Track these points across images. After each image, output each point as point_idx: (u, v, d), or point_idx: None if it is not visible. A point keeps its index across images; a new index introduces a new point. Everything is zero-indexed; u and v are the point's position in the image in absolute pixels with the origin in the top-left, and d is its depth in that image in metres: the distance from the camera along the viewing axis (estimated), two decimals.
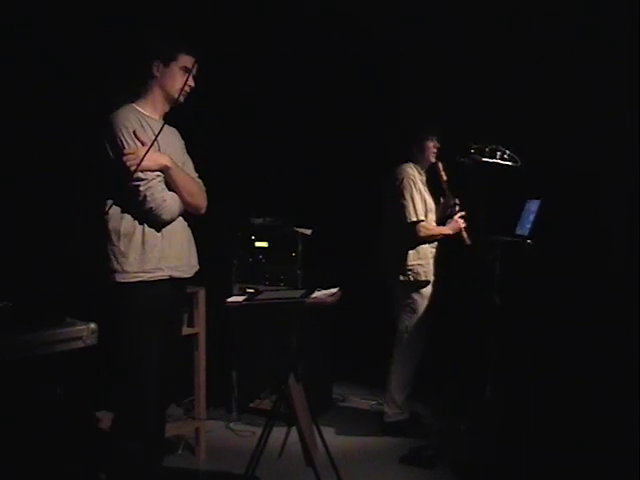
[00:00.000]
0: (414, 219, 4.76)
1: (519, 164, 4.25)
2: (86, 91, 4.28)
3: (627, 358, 4.54)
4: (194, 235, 3.52)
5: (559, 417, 4.53)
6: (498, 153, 4.33)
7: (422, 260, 4.82)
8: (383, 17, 5.57)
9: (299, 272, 4.98)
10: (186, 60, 3.34)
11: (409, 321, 4.85)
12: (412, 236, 4.80)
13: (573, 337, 4.80)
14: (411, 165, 4.91)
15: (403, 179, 4.82)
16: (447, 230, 4.89)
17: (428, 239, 4.85)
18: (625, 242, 4.78)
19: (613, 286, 4.72)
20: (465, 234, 4.87)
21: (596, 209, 4.93)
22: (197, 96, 3.46)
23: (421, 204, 4.80)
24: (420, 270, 4.81)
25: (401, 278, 4.83)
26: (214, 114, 5.43)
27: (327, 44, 5.81)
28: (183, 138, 3.52)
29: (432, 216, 4.94)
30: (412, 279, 4.81)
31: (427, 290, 4.87)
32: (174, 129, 3.43)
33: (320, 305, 3.82)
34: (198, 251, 3.55)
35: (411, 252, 4.81)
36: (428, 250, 4.86)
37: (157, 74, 3.30)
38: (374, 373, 4.96)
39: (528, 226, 4.52)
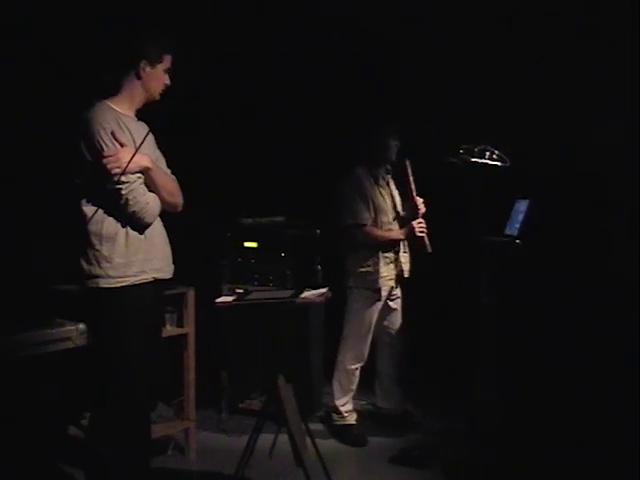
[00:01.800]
0: (350, 222, 4.67)
1: (508, 164, 4.25)
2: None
3: (618, 357, 4.57)
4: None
5: (551, 416, 4.56)
6: (487, 153, 4.33)
7: (370, 267, 4.68)
8: (380, 18, 5.57)
9: (288, 272, 4.98)
10: (169, 61, 3.33)
11: (352, 327, 4.77)
12: (351, 240, 4.72)
13: (562, 336, 4.83)
14: (364, 166, 4.80)
15: (349, 181, 4.74)
16: (398, 235, 4.76)
17: (373, 243, 4.70)
18: (623, 241, 4.81)
19: (604, 285, 4.75)
20: (426, 240, 4.70)
21: (588, 209, 4.96)
22: (194, 96, 3.44)
23: (365, 207, 4.67)
24: (366, 276, 4.69)
25: (348, 283, 4.77)
26: (209, 114, 5.44)
27: (307, 41, 5.78)
28: (154, 132, 3.38)
29: (386, 219, 4.78)
30: (355, 284, 4.73)
31: (375, 296, 4.72)
32: (143, 123, 3.33)
33: (309, 305, 3.83)
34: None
35: (359, 258, 4.71)
36: (380, 256, 4.71)
37: (143, 74, 3.28)
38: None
39: (517, 226, 4.53)
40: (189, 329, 4.40)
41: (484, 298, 4.26)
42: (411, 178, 4.79)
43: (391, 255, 4.78)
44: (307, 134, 5.88)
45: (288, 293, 3.90)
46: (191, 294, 4.38)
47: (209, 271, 5.04)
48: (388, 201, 4.85)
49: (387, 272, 4.75)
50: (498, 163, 4.28)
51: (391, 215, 4.83)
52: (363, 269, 4.71)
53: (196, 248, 4.85)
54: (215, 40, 5.12)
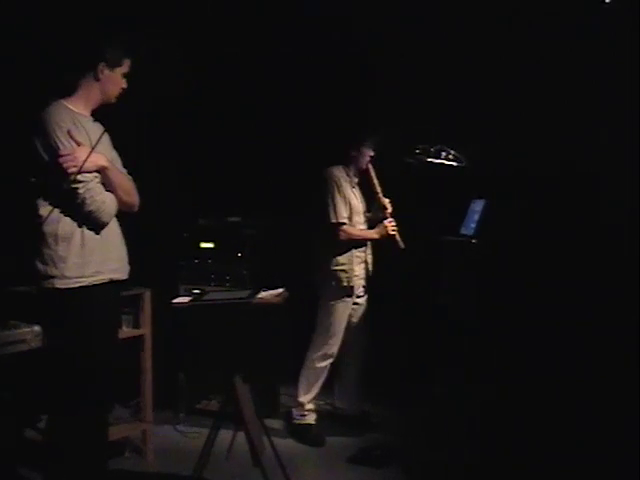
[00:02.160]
0: (334, 221, 4.74)
1: (464, 164, 4.31)
2: None
3: (579, 352, 4.63)
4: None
5: (515, 414, 4.60)
6: (443, 153, 4.38)
7: (345, 265, 4.78)
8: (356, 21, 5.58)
9: (245, 272, 4.98)
10: (128, 65, 3.31)
11: (325, 325, 4.83)
12: (332, 238, 4.77)
13: (520, 334, 4.88)
14: (340, 168, 4.87)
15: (327, 180, 4.80)
16: (373, 234, 4.87)
17: (349, 242, 4.79)
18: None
19: (563, 283, 4.81)
20: (398, 238, 4.81)
21: (543, 208, 5.02)
22: (151, 96, 3.43)
23: (344, 207, 4.77)
24: (342, 276, 4.77)
25: (321, 281, 4.84)
26: (165, 115, 5.41)
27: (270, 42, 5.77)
28: (110, 133, 3.37)
29: (359, 219, 4.89)
30: (333, 284, 4.79)
31: (347, 295, 4.82)
32: (99, 124, 3.31)
33: (267, 305, 3.83)
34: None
35: (334, 256, 4.78)
36: (354, 255, 4.81)
37: (101, 76, 3.26)
38: None
39: (473, 226, 4.59)
40: (145, 330, 4.38)
41: (441, 298, 4.31)
42: (375, 181, 4.90)
43: (362, 254, 4.88)
44: (262, 135, 5.87)
45: (245, 293, 3.90)
46: (147, 295, 4.36)
47: (166, 272, 5.02)
48: (360, 202, 4.94)
49: (358, 271, 4.85)
50: (454, 163, 4.33)
51: (362, 216, 4.93)
52: (338, 267, 4.78)
53: (153, 249, 4.82)
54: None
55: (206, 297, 3.88)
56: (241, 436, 3.85)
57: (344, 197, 4.79)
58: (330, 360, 4.86)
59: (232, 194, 5.60)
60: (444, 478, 4.32)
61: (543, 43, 4.97)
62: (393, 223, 4.84)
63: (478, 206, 4.73)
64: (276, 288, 3.87)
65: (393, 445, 4.63)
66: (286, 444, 4.67)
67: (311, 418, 4.88)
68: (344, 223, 4.76)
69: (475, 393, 4.84)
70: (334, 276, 4.78)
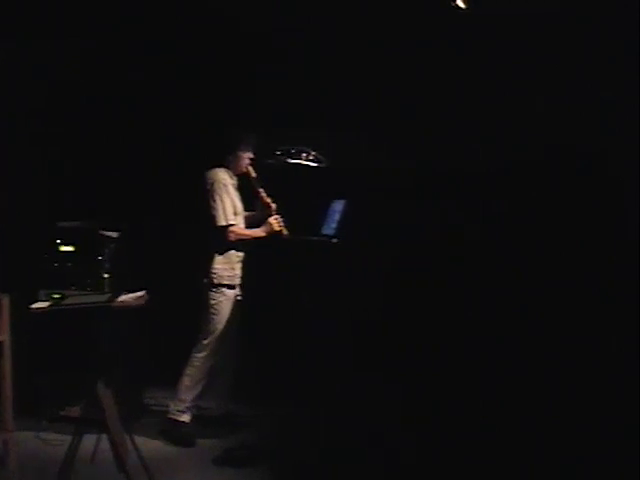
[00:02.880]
0: (224, 223, 4.81)
1: (324, 165, 4.40)
2: None
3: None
4: None
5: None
6: (303, 154, 4.46)
7: (228, 264, 4.89)
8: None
9: (106, 276, 4.92)
10: None
11: (211, 323, 4.88)
12: (222, 240, 4.85)
13: (384, 332, 5.03)
14: (223, 170, 4.94)
15: (214, 183, 4.86)
16: (259, 233, 4.96)
17: (238, 242, 4.90)
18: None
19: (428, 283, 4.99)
20: (285, 233, 4.94)
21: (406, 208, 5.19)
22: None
23: (231, 208, 4.85)
24: (225, 274, 4.88)
25: (206, 281, 4.88)
26: (25, 115, 5.25)
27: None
28: None
29: (241, 219, 4.99)
30: (217, 282, 4.86)
31: (232, 294, 4.93)
32: None
33: (127, 308, 3.81)
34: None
35: (218, 256, 4.86)
36: (235, 254, 4.92)
37: None
38: None
39: (333, 225, 4.68)
40: (3, 337, 4.25)
41: (302, 298, 4.38)
42: (257, 181, 5.00)
43: (242, 254, 4.96)
44: (126, 136, 5.82)
45: (105, 297, 3.88)
46: (6, 301, 4.23)
47: (25, 276, 4.89)
48: (241, 204, 5.02)
49: (239, 270, 4.96)
50: (314, 164, 4.41)
51: (243, 217, 5.02)
52: (223, 267, 4.87)
53: (10, 253, 4.69)
54: None
55: (65, 301, 3.82)
56: (105, 441, 3.82)
57: (231, 199, 4.87)
58: (214, 358, 4.89)
59: (92, 196, 5.50)
60: (311, 478, 4.40)
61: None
62: (278, 219, 4.95)
63: (339, 206, 4.84)
64: (138, 291, 3.87)
65: (259, 445, 4.68)
66: (152, 447, 4.64)
67: (187, 417, 4.88)
68: (233, 224, 4.83)
69: (343, 392, 4.97)
70: (221, 276, 4.86)
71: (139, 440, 4.02)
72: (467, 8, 4.73)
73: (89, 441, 4.00)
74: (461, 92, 4.98)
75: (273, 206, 5.00)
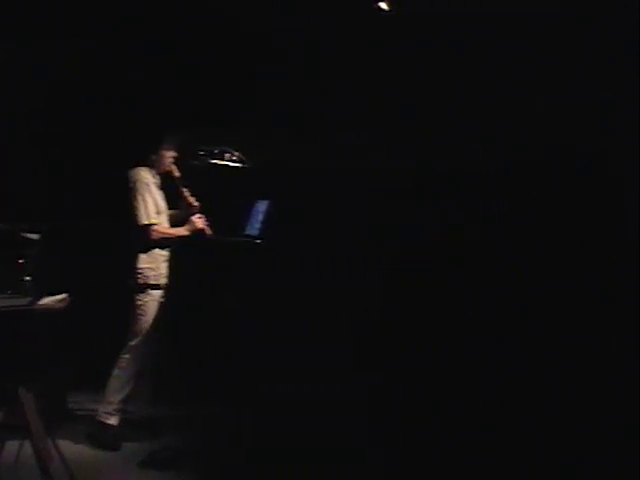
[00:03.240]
0: (145, 222, 4.77)
1: (247, 165, 4.38)
2: None
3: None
4: None
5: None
6: (226, 155, 4.44)
7: (153, 264, 4.84)
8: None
9: (27, 279, 4.81)
10: None
11: (138, 324, 4.82)
12: (145, 239, 4.80)
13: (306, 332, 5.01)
14: (145, 169, 4.90)
15: (136, 182, 4.82)
16: (183, 231, 4.93)
17: (162, 241, 4.86)
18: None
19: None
20: (208, 231, 4.93)
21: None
22: None
23: (153, 207, 4.81)
24: (150, 274, 4.83)
25: (132, 281, 4.83)
26: None
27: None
28: None
29: (164, 218, 4.95)
30: (142, 282, 4.81)
31: (157, 294, 4.87)
32: None
33: (49, 311, 3.75)
34: None
35: (142, 255, 4.82)
36: (159, 254, 4.88)
37: None
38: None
39: (257, 226, 4.65)
40: None
41: (226, 299, 4.35)
42: (180, 180, 4.99)
43: (167, 253, 4.93)
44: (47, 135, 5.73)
45: (26, 300, 3.82)
46: None
47: None
48: (164, 203, 4.99)
49: (164, 269, 4.91)
50: (238, 164, 4.39)
51: (166, 216, 4.99)
52: (148, 267, 4.82)
53: None
54: None
55: None
56: (28, 447, 3.72)
57: (154, 199, 4.84)
58: (141, 360, 4.84)
59: (11, 196, 5.39)
60: (236, 479, 4.39)
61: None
62: (202, 218, 4.94)
63: (262, 206, 4.82)
64: (59, 293, 3.81)
65: (183, 447, 4.66)
66: (77, 452, 4.54)
67: (115, 419, 4.79)
68: (155, 223, 4.80)
69: (269, 392, 4.96)
70: (143, 274, 4.81)
71: (63, 445, 3.95)
72: (390, 10, 4.75)
73: (12, 447, 3.86)
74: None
75: (196, 205, 4.98)
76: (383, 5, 4.78)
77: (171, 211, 5.05)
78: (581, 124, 4.44)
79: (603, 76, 4.34)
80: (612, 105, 4.30)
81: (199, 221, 4.91)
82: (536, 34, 4.59)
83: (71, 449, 4.50)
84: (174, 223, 5.01)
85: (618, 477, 3.91)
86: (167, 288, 4.93)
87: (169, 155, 4.92)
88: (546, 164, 4.63)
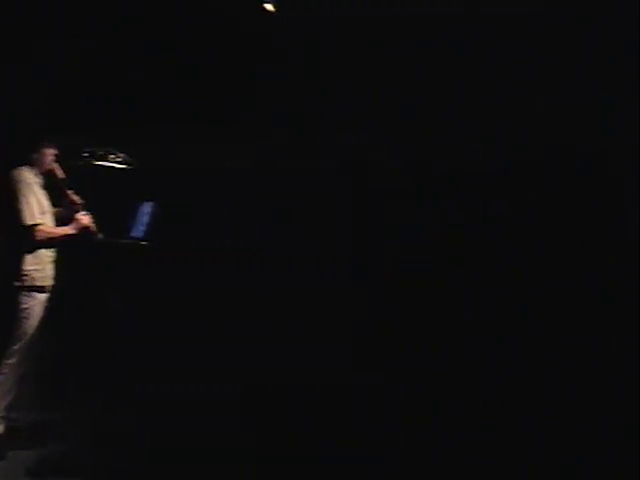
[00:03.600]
0: (30, 222, 4.64)
1: (132, 167, 4.37)
2: None
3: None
4: None
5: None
6: (111, 156, 4.42)
7: (39, 265, 4.70)
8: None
9: None
10: None
11: (22, 328, 4.66)
12: (29, 240, 4.67)
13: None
14: (28, 168, 4.77)
15: (18, 182, 4.69)
16: (69, 230, 4.86)
17: (47, 241, 4.75)
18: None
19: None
20: (94, 229, 4.90)
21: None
22: None
23: (37, 207, 4.69)
24: (36, 275, 4.68)
25: (17, 283, 4.67)
26: None
27: None
28: None
29: (49, 218, 4.84)
30: (28, 284, 4.67)
31: (42, 296, 4.75)
32: None
33: None
34: None
35: (28, 257, 4.67)
36: (45, 255, 4.75)
37: None
38: None
39: (142, 228, 4.64)
40: None
41: (110, 299, 4.32)
42: (62, 178, 4.92)
43: (52, 254, 4.82)
44: None
45: None
46: None
47: None
48: (48, 202, 4.90)
49: (49, 270, 4.80)
50: (122, 166, 4.37)
51: (51, 215, 4.89)
52: (34, 268, 4.69)
53: None
54: None
55: None
56: None
57: (36, 198, 4.73)
58: (25, 365, 4.70)
59: None
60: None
61: None
62: (87, 216, 4.91)
63: (147, 208, 4.80)
64: None
65: (73, 453, 4.56)
66: None
67: (3, 426, 4.64)
68: (40, 224, 4.69)
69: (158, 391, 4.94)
70: (29, 276, 4.67)
71: None
72: (276, 11, 4.74)
73: None
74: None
75: (80, 202, 4.93)
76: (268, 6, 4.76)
77: (55, 209, 4.92)
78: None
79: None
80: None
81: (84, 218, 4.88)
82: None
83: None
84: (59, 222, 4.90)
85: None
86: (52, 290, 4.82)
87: (50, 153, 4.82)
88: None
